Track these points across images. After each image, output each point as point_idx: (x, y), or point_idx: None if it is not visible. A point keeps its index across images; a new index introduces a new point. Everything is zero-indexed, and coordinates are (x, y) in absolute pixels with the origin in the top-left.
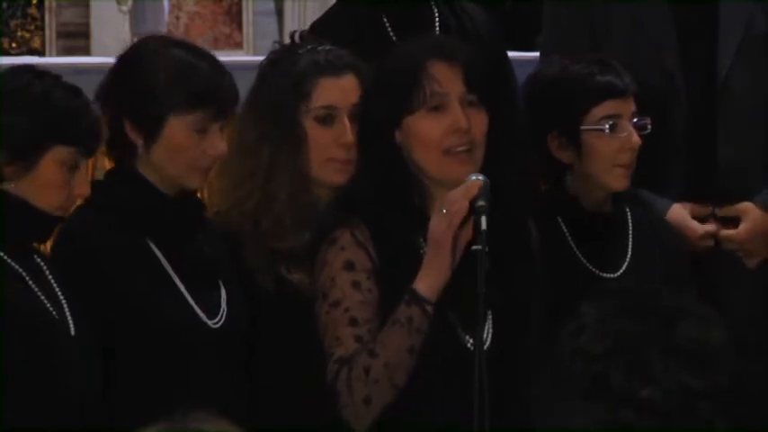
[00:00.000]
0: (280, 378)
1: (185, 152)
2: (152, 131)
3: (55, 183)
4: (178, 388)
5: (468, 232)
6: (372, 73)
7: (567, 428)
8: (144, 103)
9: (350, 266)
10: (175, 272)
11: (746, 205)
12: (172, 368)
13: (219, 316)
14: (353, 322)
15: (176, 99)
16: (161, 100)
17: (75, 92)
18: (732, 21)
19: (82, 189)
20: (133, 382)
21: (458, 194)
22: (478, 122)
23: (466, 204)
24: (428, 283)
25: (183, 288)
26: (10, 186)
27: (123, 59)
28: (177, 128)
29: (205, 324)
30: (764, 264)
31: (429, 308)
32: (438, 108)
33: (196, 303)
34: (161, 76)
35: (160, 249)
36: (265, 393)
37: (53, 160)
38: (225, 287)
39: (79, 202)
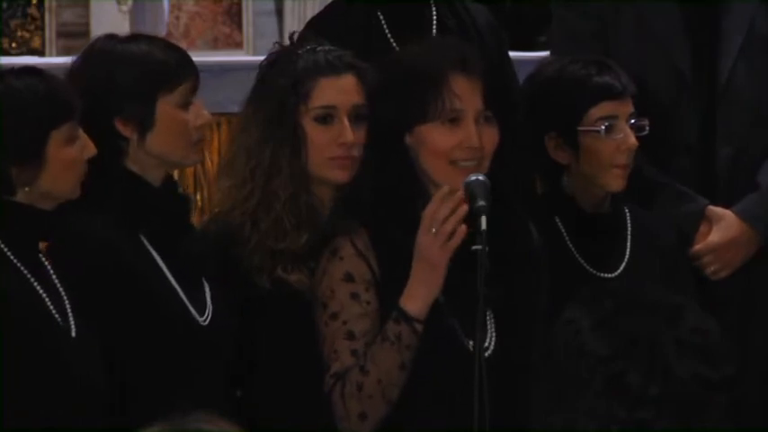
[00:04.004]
0: (278, 378)
1: (183, 129)
2: (146, 121)
3: (72, 161)
4: (171, 385)
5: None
6: (384, 74)
7: (576, 430)
8: (131, 96)
9: (349, 278)
10: (168, 268)
11: (724, 212)
12: (167, 364)
13: (207, 313)
14: (350, 336)
15: (161, 80)
16: (146, 87)
17: (35, 72)
18: (735, 21)
19: (90, 151)
20: (132, 378)
21: (445, 213)
22: (490, 137)
23: (459, 225)
24: (418, 301)
25: (175, 284)
26: (23, 192)
27: (85, 66)
28: (167, 109)
29: (195, 320)
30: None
31: (418, 326)
32: (453, 121)
33: (187, 300)
34: (136, 66)
35: (153, 245)
36: (263, 394)
37: (57, 143)
38: (209, 284)
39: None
